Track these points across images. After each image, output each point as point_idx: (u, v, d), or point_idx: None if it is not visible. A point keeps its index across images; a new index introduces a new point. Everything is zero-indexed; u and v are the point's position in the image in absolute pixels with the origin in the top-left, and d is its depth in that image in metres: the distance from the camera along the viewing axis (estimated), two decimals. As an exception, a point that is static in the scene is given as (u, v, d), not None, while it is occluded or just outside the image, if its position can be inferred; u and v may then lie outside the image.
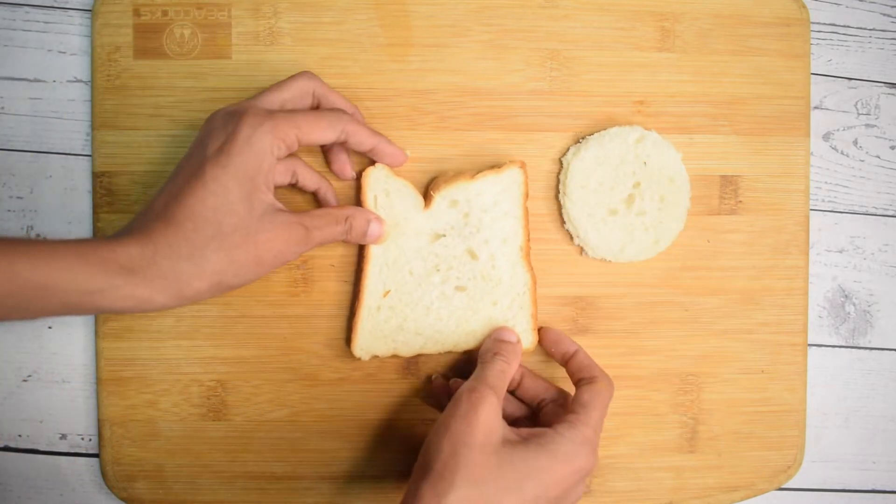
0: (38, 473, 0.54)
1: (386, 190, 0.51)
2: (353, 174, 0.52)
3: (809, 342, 0.57)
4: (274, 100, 0.47)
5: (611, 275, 0.54)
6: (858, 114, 0.58)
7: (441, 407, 0.47)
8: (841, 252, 0.59)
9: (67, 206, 0.54)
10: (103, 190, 0.52)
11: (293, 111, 0.46)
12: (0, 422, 0.54)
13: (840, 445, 0.59)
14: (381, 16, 0.53)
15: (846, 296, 0.59)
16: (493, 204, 0.51)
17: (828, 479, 0.59)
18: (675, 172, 0.53)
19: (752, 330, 0.55)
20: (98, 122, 0.52)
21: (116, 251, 0.41)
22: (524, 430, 0.44)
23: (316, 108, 0.49)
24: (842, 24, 0.58)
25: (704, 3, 0.54)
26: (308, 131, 0.45)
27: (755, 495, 0.56)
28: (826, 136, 0.58)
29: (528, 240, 0.52)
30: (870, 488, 0.59)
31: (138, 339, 0.52)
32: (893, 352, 0.59)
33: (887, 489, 0.59)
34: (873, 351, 0.59)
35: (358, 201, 0.51)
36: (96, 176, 0.52)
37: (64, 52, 0.54)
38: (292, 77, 0.48)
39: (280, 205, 0.46)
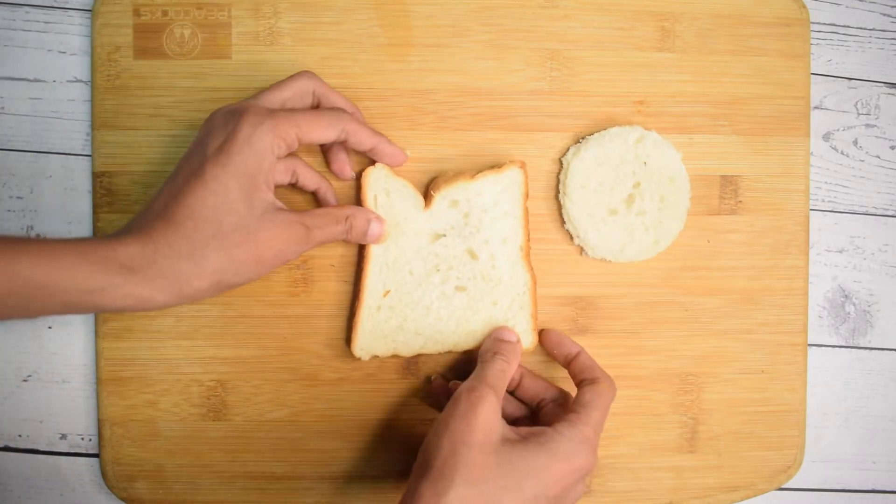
0: (38, 473, 0.54)
1: (386, 190, 0.51)
2: (353, 174, 0.52)
3: (809, 342, 0.57)
4: (274, 99, 0.47)
5: (611, 275, 0.54)
6: (858, 114, 0.58)
7: (440, 407, 0.47)
8: (841, 252, 0.59)
9: (67, 206, 0.54)
10: (103, 190, 0.52)
11: (293, 110, 0.46)
12: (0, 422, 0.54)
13: (840, 445, 0.59)
14: (381, 16, 0.53)
15: (846, 296, 0.59)
16: (493, 204, 0.51)
17: (828, 479, 0.59)
18: (675, 172, 0.53)
19: (752, 330, 0.55)
20: (98, 122, 0.52)
21: (117, 250, 0.41)
22: (524, 429, 0.44)
23: (316, 107, 0.49)
24: (842, 24, 0.58)
25: (704, 3, 0.54)
26: (308, 130, 0.45)
27: (755, 495, 0.56)
28: (826, 136, 0.58)
29: (528, 240, 0.52)
30: (870, 488, 0.59)
31: (138, 339, 0.52)
32: (893, 352, 0.59)
33: (887, 489, 0.59)
34: (873, 351, 0.59)
35: (358, 201, 0.51)
36: (96, 176, 0.52)
37: (64, 52, 0.54)
38: (292, 76, 0.48)
39: (280, 204, 0.46)
